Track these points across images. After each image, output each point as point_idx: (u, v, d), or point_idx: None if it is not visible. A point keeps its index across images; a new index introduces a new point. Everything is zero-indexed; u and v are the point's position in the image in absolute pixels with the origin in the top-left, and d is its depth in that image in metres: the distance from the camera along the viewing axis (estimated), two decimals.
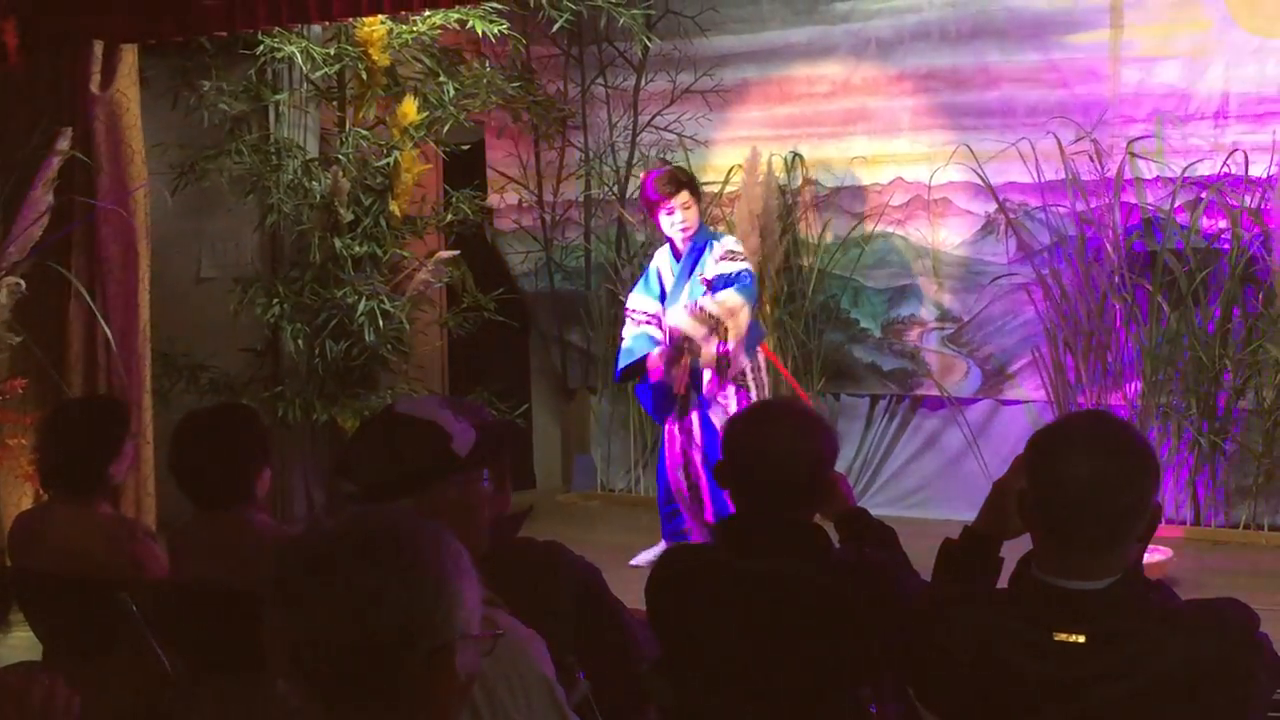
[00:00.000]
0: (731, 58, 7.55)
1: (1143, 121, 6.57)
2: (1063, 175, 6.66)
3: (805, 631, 2.76)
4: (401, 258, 7.23)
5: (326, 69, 7.06)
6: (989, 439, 6.97)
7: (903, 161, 7.16)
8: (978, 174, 6.87)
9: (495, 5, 6.90)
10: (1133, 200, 6.61)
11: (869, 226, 7.25)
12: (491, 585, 1.99)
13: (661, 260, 5.99)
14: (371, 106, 7.19)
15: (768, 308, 7.17)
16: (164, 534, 3.97)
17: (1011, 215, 6.85)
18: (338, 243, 7.00)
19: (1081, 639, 2.22)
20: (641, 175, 6.73)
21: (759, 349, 5.94)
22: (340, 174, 6.96)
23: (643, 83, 7.80)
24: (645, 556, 5.85)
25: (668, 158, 7.62)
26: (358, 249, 7.05)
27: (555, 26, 7.26)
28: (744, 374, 5.83)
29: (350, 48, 7.05)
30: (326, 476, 7.18)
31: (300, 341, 7.06)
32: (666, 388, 5.83)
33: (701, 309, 5.72)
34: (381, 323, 6.94)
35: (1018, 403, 7.01)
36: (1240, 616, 2.29)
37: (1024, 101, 6.82)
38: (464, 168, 7.82)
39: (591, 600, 2.81)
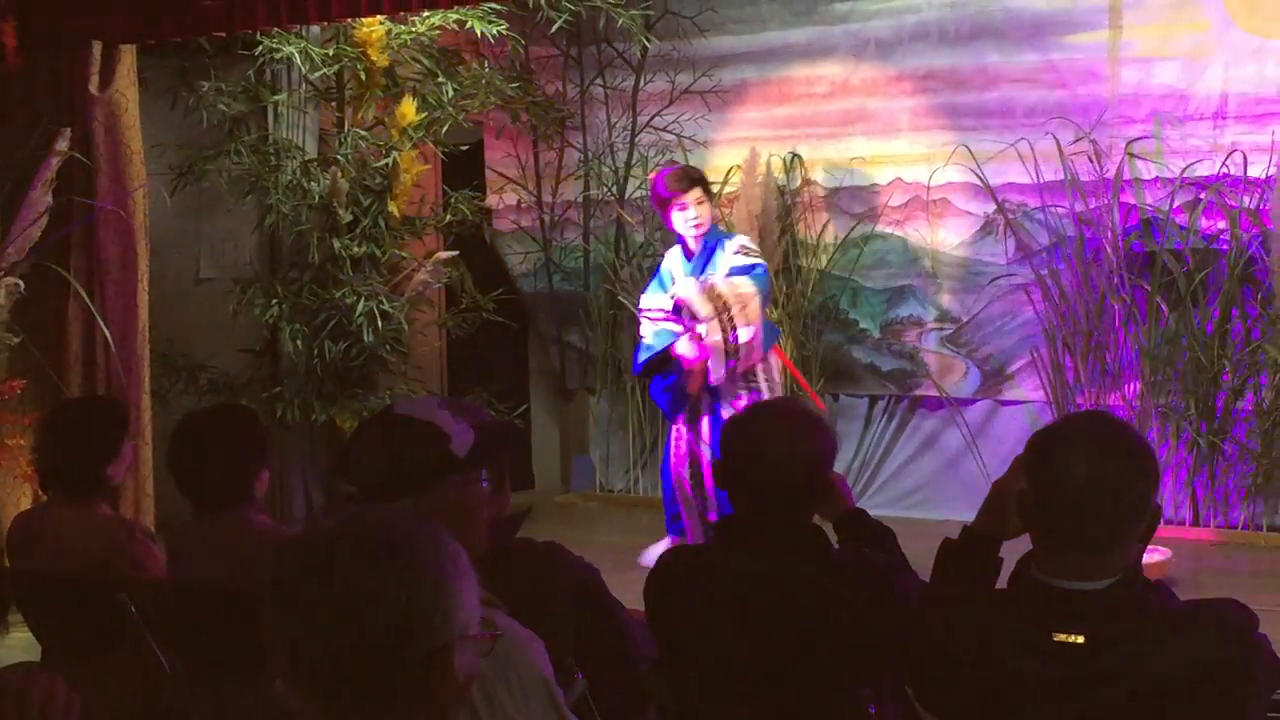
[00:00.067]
0: (730, 58, 7.55)
1: (1141, 122, 6.57)
2: (1061, 176, 6.66)
3: (804, 632, 2.76)
4: (400, 258, 7.23)
5: (325, 70, 7.06)
6: (988, 439, 6.97)
7: (902, 162, 7.16)
8: (976, 175, 6.87)
9: (494, 6, 6.90)
10: (1132, 201, 6.61)
11: (868, 227, 7.25)
12: (490, 586, 1.99)
13: (673, 261, 5.89)
14: (370, 107, 7.19)
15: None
16: (163, 534, 3.97)
17: (1010, 216, 6.85)
18: (336, 243, 7.00)
19: (1081, 639, 2.22)
20: (651, 175, 6.63)
21: (772, 351, 5.86)
22: (339, 175, 6.97)
23: (641, 83, 7.80)
24: (653, 552, 5.81)
25: (667, 159, 7.63)
26: (356, 250, 7.05)
27: (554, 27, 7.26)
28: (756, 375, 5.75)
29: (349, 48, 7.05)
30: (325, 477, 7.18)
31: (299, 342, 7.06)
32: (681, 387, 5.75)
33: (712, 286, 5.61)
34: (380, 323, 6.94)
35: (1017, 403, 7.01)
36: (1239, 617, 2.29)
37: (1023, 102, 6.82)
38: (463, 168, 7.82)
39: (590, 601, 2.81)
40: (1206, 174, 6.43)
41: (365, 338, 6.95)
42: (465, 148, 7.81)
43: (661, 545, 5.76)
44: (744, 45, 7.52)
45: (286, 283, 7.13)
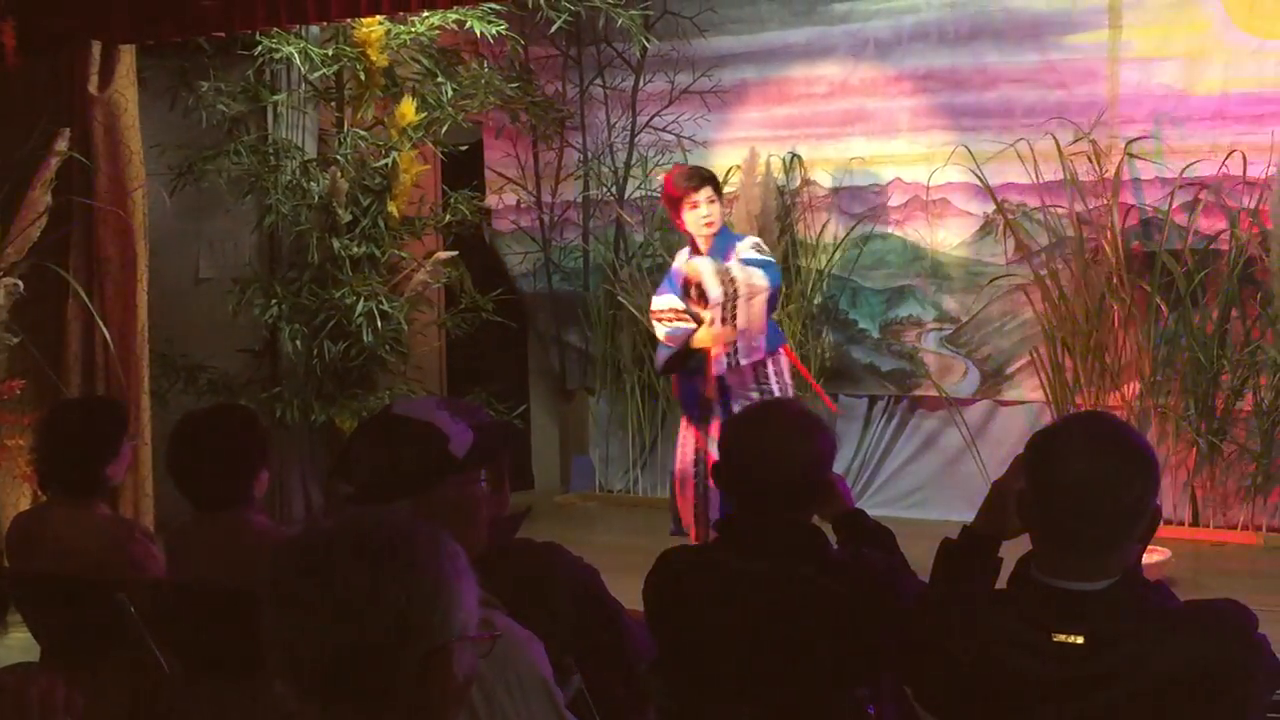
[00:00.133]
0: (730, 58, 7.55)
1: (1141, 122, 6.58)
2: (1061, 176, 6.66)
3: (803, 632, 2.76)
4: (400, 258, 7.23)
5: (325, 70, 7.06)
6: (987, 440, 6.97)
7: (901, 162, 7.16)
8: (976, 175, 6.87)
9: (493, 6, 6.90)
10: (1131, 201, 6.61)
11: (867, 227, 7.25)
12: (489, 586, 1.99)
13: (682, 262, 5.77)
14: (370, 107, 7.19)
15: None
16: (162, 535, 3.97)
17: (1010, 216, 6.85)
18: (336, 243, 7.00)
19: (1080, 640, 2.22)
20: (663, 175, 6.53)
21: (782, 350, 5.82)
22: (338, 175, 6.97)
23: (641, 83, 7.80)
24: None
25: (666, 159, 7.63)
26: (356, 250, 7.05)
27: (554, 27, 7.26)
28: (768, 377, 5.70)
29: (348, 48, 7.05)
30: (324, 477, 7.18)
31: (298, 342, 7.06)
32: (701, 391, 5.70)
33: (726, 269, 5.55)
34: (380, 323, 6.94)
35: (1016, 403, 7.01)
36: (1239, 617, 2.29)
37: (1022, 102, 6.83)
38: (462, 168, 7.83)
39: (590, 601, 2.81)
40: (1206, 174, 6.43)
41: (365, 338, 6.95)
42: (465, 148, 7.81)
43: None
44: (743, 45, 7.52)
45: (286, 283, 7.13)
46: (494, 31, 7.01)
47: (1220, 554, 6.27)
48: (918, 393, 7.28)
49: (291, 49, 6.90)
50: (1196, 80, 6.46)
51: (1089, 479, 2.24)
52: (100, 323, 6.15)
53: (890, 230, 7.21)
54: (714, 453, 5.64)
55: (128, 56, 6.32)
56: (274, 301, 7.03)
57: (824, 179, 7.36)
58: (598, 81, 7.92)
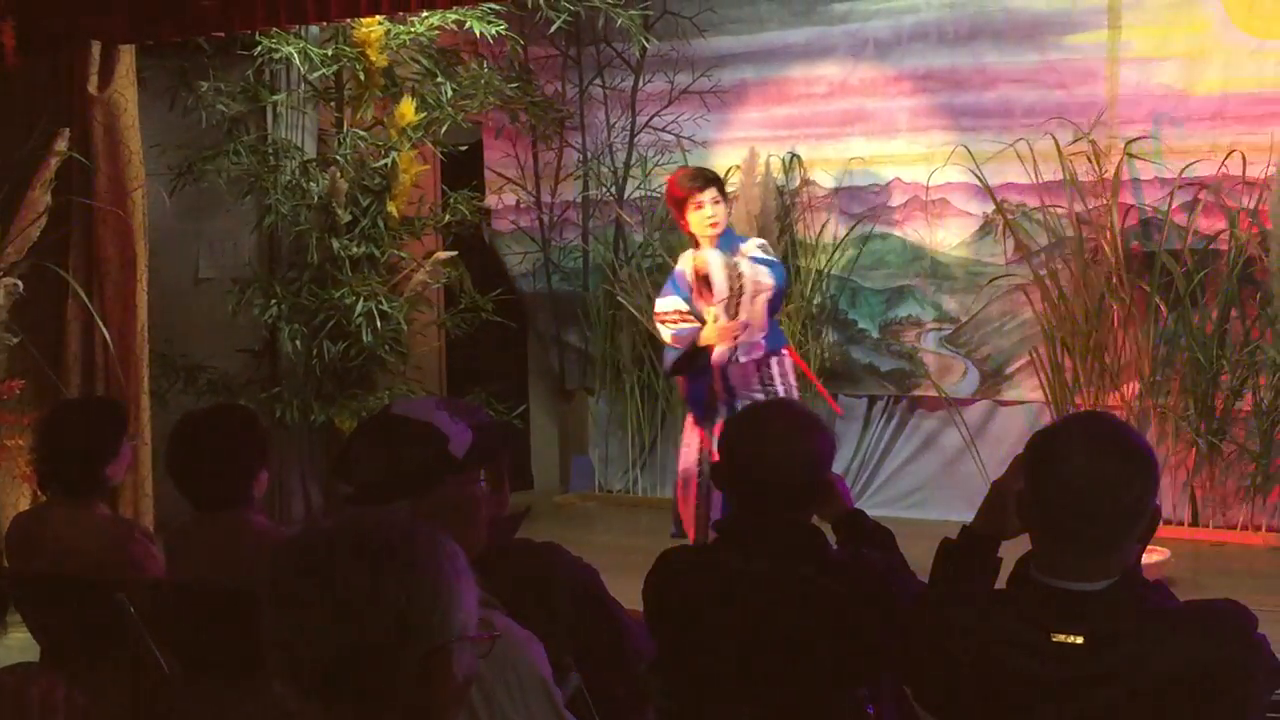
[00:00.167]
0: (729, 58, 7.55)
1: (1140, 122, 6.58)
2: (1060, 176, 6.66)
3: (802, 632, 2.76)
4: (399, 258, 7.23)
5: (324, 70, 7.06)
6: (987, 440, 6.97)
7: (900, 162, 7.16)
8: (975, 175, 6.87)
9: (493, 6, 6.90)
10: (1130, 201, 6.61)
11: (867, 227, 7.25)
12: (489, 586, 1.99)
13: (686, 264, 5.74)
14: (369, 107, 7.19)
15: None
16: (162, 535, 3.97)
17: (1009, 216, 6.85)
18: (335, 243, 7.00)
19: (1079, 640, 2.22)
20: (667, 179, 6.49)
21: (786, 352, 5.81)
22: (338, 175, 6.97)
23: (640, 83, 7.80)
24: None
25: (666, 159, 7.63)
26: (355, 250, 7.05)
27: (553, 27, 7.26)
28: (773, 379, 5.69)
29: (348, 48, 7.05)
30: (324, 477, 7.18)
31: (298, 342, 7.06)
32: (708, 392, 5.69)
33: (735, 263, 5.54)
34: (379, 323, 6.94)
35: (1016, 403, 7.01)
36: (1238, 617, 2.29)
37: (1022, 102, 6.83)
38: (462, 168, 7.83)
39: (589, 601, 2.81)
40: (1205, 174, 6.43)
41: (364, 338, 6.95)
42: (464, 148, 7.81)
43: None
44: (743, 45, 7.52)
45: (285, 283, 7.13)
46: (493, 31, 7.00)
47: (1220, 554, 6.27)
48: (917, 393, 7.28)
49: (291, 49, 6.90)
50: (1196, 80, 6.46)
51: (1089, 479, 2.24)
52: (100, 323, 6.15)
53: (890, 230, 7.21)
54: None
55: (127, 56, 6.32)
56: (274, 301, 7.03)
57: (824, 179, 7.36)
58: (597, 81, 7.92)
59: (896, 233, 7.20)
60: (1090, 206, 6.63)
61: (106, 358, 6.17)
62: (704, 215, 5.56)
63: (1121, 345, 6.62)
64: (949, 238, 7.06)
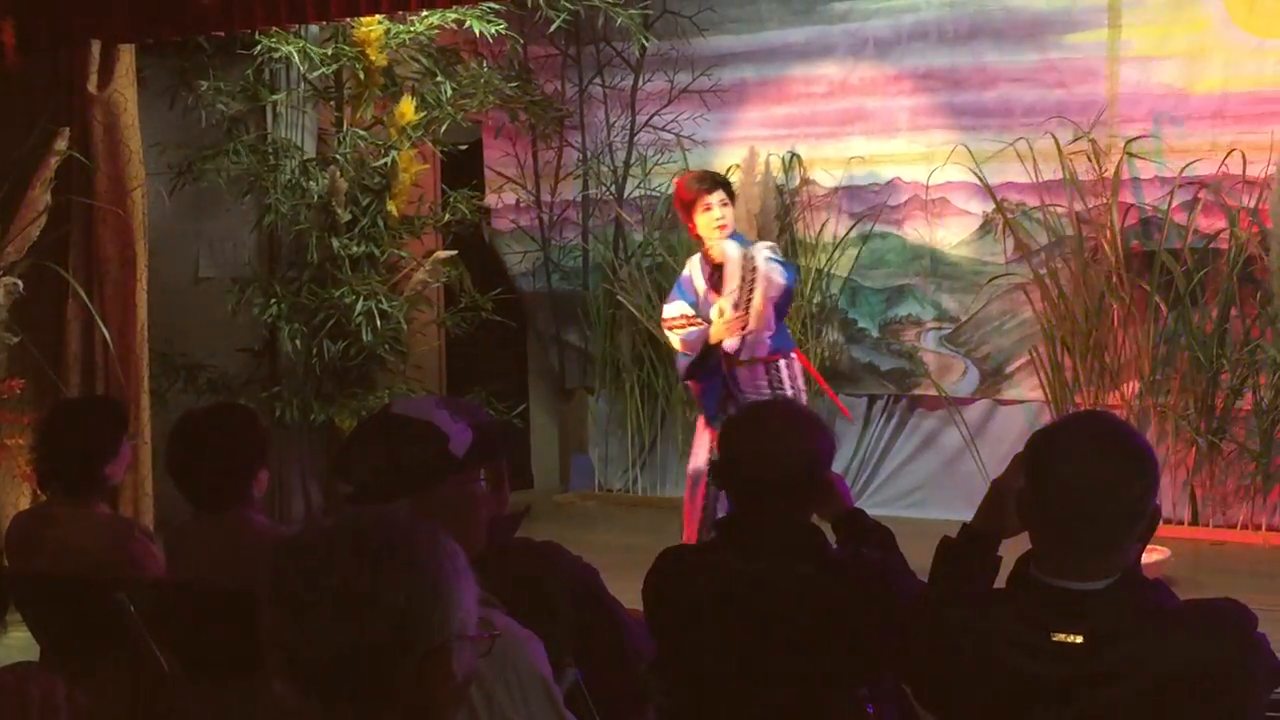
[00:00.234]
0: (729, 58, 7.55)
1: (1140, 121, 6.58)
2: (1060, 175, 6.66)
3: (802, 632, 2.76)
4: (399, 258, 7.23)
5: (324, 69, 7.06)
6: (986, 439, 6.97)
7: (900, 161, 7.16)
8: (975, 174, 6.87)
9: (493, 5, 6.90)
10: (1130, 200, 6.62)
11: (867, 226, 7.25)
12: (488, 586, 1.99)
13: (694, 268, 5.75)
14: (369, 106, 7.19)
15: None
16: (162, 534, 3.97)
17: (1009, 215, 6.85)
18: (335, 243, 7.00)
19: (1079, 639, 2.22)
20: (674, 182, 6.45)
21: (794, 354, 5.80)
22: (338, 174, 6.96)
23: (640, 83, 7.80)
24: None
25: (665, 158, 7.63)
26: (355, 249, 7.05)
27: (553, 26, 7.27)
28: (782, 381, 5.69)
29: (348, 48, 7.05)
30: (324, 477, 7.18)
31: (298, 341, 7.06)
32: (720, 391, 5.69)
33: (750, 257, 5.55)
34: (379, 323, 6.94)
35: (1015, 403, 7.01)
36: (1238, 616, 2.29)
37: (1022, 101, 6.83)
38: (461, 168, 7.83)
39: (589, 601, 2.81)
40: (1205, 173, 6.43)
41: (364, 337, 6.95)
42: (464, 147, 7.81)
43: None
44: (743, 45, 7.52)
45: (285, 282, 7.13)
46: (493, 31, 7.00)
47: (1220, 553, 6.27)
48: (917, 392, 7.28)
49: (291, 48, 6.90)
50: (1196, 79, 6.46)
51: (1089, 478, 2.24)
52: (100, 322, 6.15)
53: (890, 229, 7.21)
54: None
55: (127, 56, 6.32)
56: (273, 301, 7.03)
57: (824, 178, 7.36)
58: (597, 81, 7.92)
59: (896, 232, 7.20)
60: (1090, 205, 6.63)
61: (106, 357, 6.17)
62: (712, 217, 5.57)
63: (1121, 344, 6.62)
64: (949, 237, 7.06)
